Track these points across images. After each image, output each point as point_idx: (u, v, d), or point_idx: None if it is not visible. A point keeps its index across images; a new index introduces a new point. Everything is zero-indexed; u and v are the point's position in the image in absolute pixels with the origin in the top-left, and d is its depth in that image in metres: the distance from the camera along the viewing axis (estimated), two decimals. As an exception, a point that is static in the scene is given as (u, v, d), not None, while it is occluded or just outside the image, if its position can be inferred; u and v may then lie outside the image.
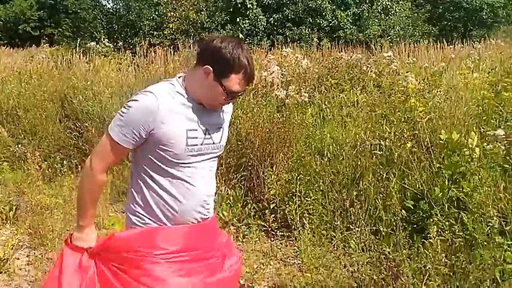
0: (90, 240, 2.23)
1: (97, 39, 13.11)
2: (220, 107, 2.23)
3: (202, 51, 2.16)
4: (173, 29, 17.86)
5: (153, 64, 8.86)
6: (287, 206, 4.46)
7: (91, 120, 6.78)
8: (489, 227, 3.51)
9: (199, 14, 17.96)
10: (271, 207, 4.64)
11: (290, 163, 4.95)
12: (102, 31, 18.50)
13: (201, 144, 2.19)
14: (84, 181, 2.21)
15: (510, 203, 3.68)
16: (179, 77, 2.22)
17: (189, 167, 2.17)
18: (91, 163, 2.16)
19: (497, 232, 3.52)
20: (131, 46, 10.39)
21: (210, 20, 17.92)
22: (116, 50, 12.03)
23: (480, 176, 3.75)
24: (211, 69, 2.08)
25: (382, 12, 17.65)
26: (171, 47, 11.21)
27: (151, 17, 18.48)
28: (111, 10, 20.57)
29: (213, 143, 2.24)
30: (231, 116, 2.47)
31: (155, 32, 18.17)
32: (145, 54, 9.71)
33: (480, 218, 3.60)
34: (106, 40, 12.10)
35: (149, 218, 2.19)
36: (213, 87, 2.10)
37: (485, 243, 3.49)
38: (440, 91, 5.07)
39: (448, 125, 4.36)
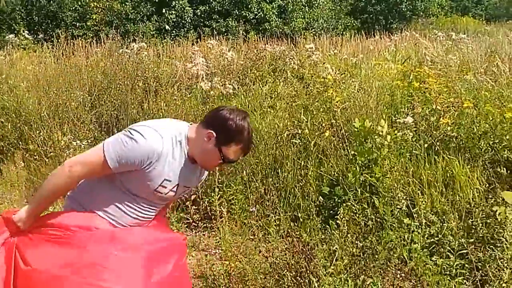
0: (26, 226, 2.26)
1: (16, 32, 12.61)
2: (210, 169, 2.48)
3: (212, 116, 2.31)
4: (97, 20, 17.44)
5: (74, 56, 8.68)
6: (209, 197, 4.52)
7: (7, 115, 6.57)
8: (397, 209, 3.75)
9: (123, 4, 17.60)
10: (192, 198, 4.68)
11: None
12: (21, 23, 17.79)
13: (165, 194, 2.34)
14: (56, 179, 2.23)
15: (417, 187, 3.94)
16: (189, 124, 2.38)
17: (143, 203, 2.35)
18: (73, 167, 2.21)
19: (404, 214, 3.76)
20: (53, 38, 10.06)
21: (135, 11, 17.61)
22: (36, 42, 11.64)
23: (390, 162, 3.99)
24: (215, 135, 2.24)
25: (306, 4, 18.06)
26: (95, 39, 10.97)
27: (73, 8, 17.94)
28: (30, 1, 19.79)
29: (174, 195, 2.41)
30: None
31: (77, 24, 17.66)
32: (65, 46, 9.46)
33: (390, 201, 3.84)
34: (26, 32, 11.67)
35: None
36: (212, 151, 2.26)
37: (394, 225, 3.72)
38: (354, 81, 5.30)
39: (362, 114, 4.57)
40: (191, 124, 2.39)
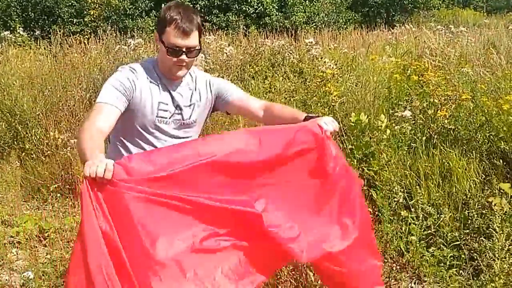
0: (103, 160, 1.89)
1: (11, 28, 12.68)
2: (175, 76, 2.41)
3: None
4: (94, 16, 17.55)
5: (70, 53, 8.74)
6: None
7: (1, 113, 6.61)
8: (395, 202, 3.86)
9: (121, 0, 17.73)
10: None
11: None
12: (17, 19, 17.90)
13: (169, 118, 2.43)
14: (83, 130, 2.13)
15: (414, 179, 4.05)
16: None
17: (157, 138, 2.43)
18: (89, 118, 2.21)
19: (402, 207, 3.88)
20: (50, 35, 10.13)
21: (134, 7, 17.72)
22: (33, 39, 11.72)
23: (388, 155, 4.10)
24: (157, 34, 2.37)
25: (306, -2, 18.21)
26: (93, 35, 11.06)
27: (70, 3, 18.05)
28: (26, -3, 19.90)
29: (182, 118, 2.46)
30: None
31: (74, 20, 17.78)
32: (63, 42, 9.53)
33: (387, 194, 3.95)
34: (21, 29, 11.75)
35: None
36: (160, 50, 2.37)
37: (391, 217, 3.83)
38: (352, 75, 5.41)
39: (359, 108, 4.68)
40: None
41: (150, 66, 2.45)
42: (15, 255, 4.22)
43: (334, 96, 4.88)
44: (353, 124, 4.29)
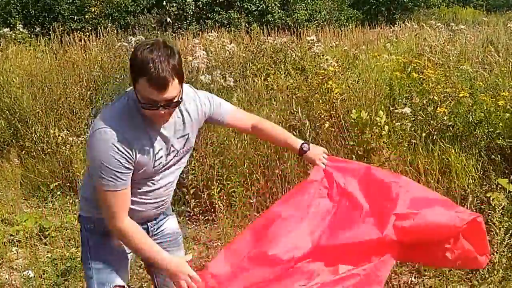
0: (192, 275, 2.20)
1: (11, 25, 12.76)
2: (161, 122, 2.16)
3: None
4: (95, 13, 17.63)
5: (71, 50, 8.77)
6: (210, 190, 4.66)
7: (1, 111, 6.69)
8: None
9: (123, -3, 17.80)
10: (192, 192, 4.86)
11: (212, 148, 5.21)
12: (17, 16, 17.99)
13: (166, 163, 2.28)
14: (126, 239, 2.22)
15: (414, 175, 4.15)
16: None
17: (153, 179, 2.31)
18: (114, 223, 2.17)
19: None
20: (50, 32, 10.20)
21: (135, 4, 17.80)
22: (33, 36, 11.79)
23: (388, 152, 4.20)
24: (130, 74, 2.05)
25: (308, -4, 18.36)
26: (94, 32, 11.14)
27: (71, 0, 18.14)
28: (26, -7, 19.96)
29: (177, 151, 2.31)
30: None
31: (75, 17, 17.86)
32: (63, 39, 9.57)
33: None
34: (21, 26, 11.81)
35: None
36: (136, 97, 2.07)
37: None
38: (353, 73, 5.51)
39: (360, 105, 4.77)
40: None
41: (132, 111, 2.14)
42: (15, 253, 4.27)
43: (336, 94, 4.97)
44: (354, 121, 4.39)
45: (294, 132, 4.96)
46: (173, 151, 2.28)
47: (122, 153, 2.08)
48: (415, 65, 5.31)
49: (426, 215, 2.24)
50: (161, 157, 2.24)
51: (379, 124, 4.20)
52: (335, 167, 2.53)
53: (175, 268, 2.20)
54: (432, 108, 4.54)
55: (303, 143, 2.57)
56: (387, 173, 2.59)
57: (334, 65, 5.76)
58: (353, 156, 4.24)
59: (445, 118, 4.42)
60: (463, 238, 2.28)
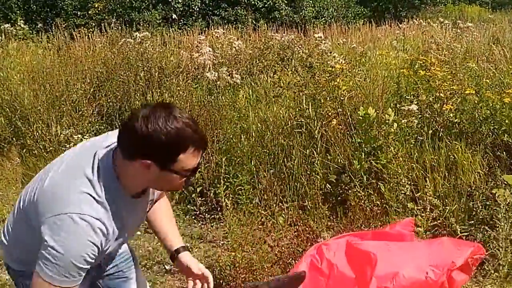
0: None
1: (12, 21, 12.87)
2: (178, 189, 2.03)
3: (128, 140, 1.73)
4: (99, 9, 17.74)
5: (74, 46, 8.82)
6: (216, 188, 4.75)
7: (1, 108, 6.72)
8: (402, 194, 4.10)
9: (127, -8, 17.89)
10: (198, 190, 4.93)
11: (218, 146, 5.34)
12: (18, 12, 18.11)
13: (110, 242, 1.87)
14: None
15: (420, 172, 4.29)
16: (110, 149, 1.82)
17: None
18: None
19: (409, 199, 4.11)
20: (52, 28, 10.30)
21: (140, 0, 17.91)
22: (35, 32, 11.88)
23: (395, 149, 4.34)
24: (151, 162, 1.71)
25: (316, -7, 18.45)
26: (98, 28, 11.25)
27: (74, -4, 18.26)
28: (27, -11, 20.07)
29: (126, 237, 2.01)
30: None
31: (78, 12, 17.98)
32: (66, 35, 9.66)
33: (395, 187, 4.19)
34: (22, 21, 11.89)
35: None
36: (163, 177, 1.76)
37: (398, 209, 4.07)
38: (361, 70, 5.64)
39: (368, 102, 4.91)
40: (110, 146, 1.84)
41: (110, 180, 1.80)
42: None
43: (343, 91, 5.10)
44: (361, 118, 4.52)
45: (301, 130, 5.10)
46: (122, 235, 1.93)
47: (98, 248, 1.75)
48: (422, 62, 5.44)
49: (404, 274, 2.47)
50: (110, 240, 1.87)
51: (387, 121, 4.33)
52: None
53: None
54: (439, 105, 4.66)
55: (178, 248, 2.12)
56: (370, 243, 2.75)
57: (341, 62, 5.90)
58: (362, 154, 4.37)
59: (451, 115, 4.54)
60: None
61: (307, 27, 11.58)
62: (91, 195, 1.74)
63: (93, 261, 1.74)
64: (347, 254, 2.68)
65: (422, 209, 3.95)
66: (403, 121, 4.56)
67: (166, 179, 1.77)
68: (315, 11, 18.11)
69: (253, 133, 5.22)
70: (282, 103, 5.70)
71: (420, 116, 4.68)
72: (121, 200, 1.81)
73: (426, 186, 4.03)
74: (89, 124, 6.32)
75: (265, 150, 5.11)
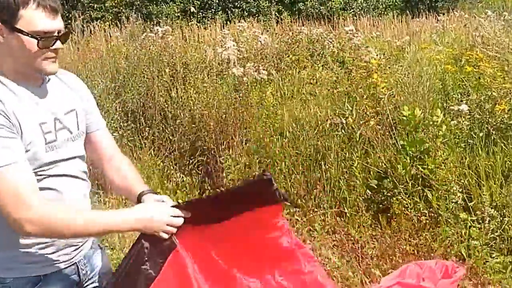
0: (159, 213, 1.76)
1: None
2: (46, 74, 1.79)
3: None
4: (116, 1, 17.64)
5: (93, 41, 8.73)
6: None
7: None
8: (453, 203, 3.79)
9: (145, -15, 17.78)
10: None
11: (248, 145, 5.11)
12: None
13: (55, 137, 1.78)
14: (52, 226, 1.64)
15: (473, 179, 3.98)
16: None
17: (52, 173, 1.78)
18: (21, 214, 1.60)
19: (461, 208, 3.81)
20: (69, 21, 10.16)
21: (157, -8, 17.77)
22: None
23: (444, 153, 4.03)
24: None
25: (344, -18, 18.03)
26: (115, 22, 11.10)
27: (90, -12, 18.17)
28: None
29: (70, 133, 1.86)
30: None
31: (95, 5, 17.90)
32: (85, 29, 9.57)
33: (444, 195, 3.89)
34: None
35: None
36: (18, 43, 1.68)
37: (449, 220, 3.78)
38: (401, 66, 5.33)
39: (411, 101, 4.60)
40: None
41: None
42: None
43: (382, 88, 4.81)
44: (405, 119, 4.22)
45: (336, 130, 4.84)
46: (62, 128, 1.82)
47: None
48: (468, 57, 5.12)
49: None
50: (50, 132, 1.76)
51: (435, 122, 4.04)
52: None
53: (154, 217, 1.73)
54: (490, 105, 4.35)
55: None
56: None
57: (378, 57, 5.60)
58: (408, 158, 4.07)
59: (506, 116, 4.22)
60: None
61: (334, 19, 11.24)
62: None
63: (6, 129, 1.62)
64: None
65: (477, 220, 3.66)
66: (451, 122, 4.26)
67: (21, 45, 1.67)
68: (343, 2, 17.71)
69: (287, 133, 4.96)
70: (314, 101, 5.41)
71: (469, 117, 4.37)
72: (24, 87, 1.74)
73: (481, 195, 3.73)
74: (113, 121, 6.17)
75: (297, 151, 4.85)
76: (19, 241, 1.74)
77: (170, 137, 5.70)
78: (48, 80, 1.85)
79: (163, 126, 5.96)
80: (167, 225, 1.75)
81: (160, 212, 1.76)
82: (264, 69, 6.60)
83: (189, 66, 6.88)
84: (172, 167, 5.42)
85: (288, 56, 7.22)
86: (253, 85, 6.16)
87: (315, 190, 4.57)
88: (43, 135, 1.73)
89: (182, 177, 5.33)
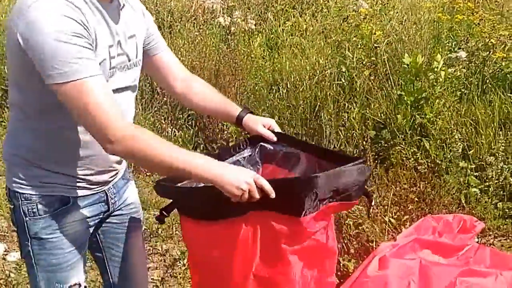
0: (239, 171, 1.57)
1: None
2: None
3: None
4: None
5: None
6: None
7: None
8: (452, 152, 3.85)
9: None
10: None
11: (243, 97, 5.05)
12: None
13: (116, 64, 1.71)
14: (141, 146, 1.54)
15: (472, 127, 4.03)
16: None
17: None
18: (111, 132, 1.51)
19: (460, 157, 3.87)
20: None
21: None
22: None
23: (444, 101, 4.05)
24: None
25: None
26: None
27: None
28: None
29: (129, 60, 1.78)
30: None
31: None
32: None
33: (442, 144, 3.94)
34: None
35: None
36: None
37: (448, 168, 3.83)
38: (396, 13, 5.29)
39: (409, 49, 4.58)
40: None
41: None
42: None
43: (378, 36, 4.77)
44: (406, 67, 4.20)
45: (331, 80, 4.80)
46: (121, 54, 1.73)
47: (79, 24, 1.52)
48: (459, 5, 5.10)
49: None
50: (114, 57, 1.68)
51: (435, 69, 4.03)
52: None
53: (221, 176, 1.52)
54: (488, 53, 4.37)
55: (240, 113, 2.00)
56: None
57: (366, 6, 5.55)
58: (409, 107, 4.08)
59: (503, 64, 4.26)
60: None
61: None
62: None
63: (85, 40, 1.52)
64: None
65: (476, 168, 3.74)
66: (449, 70, 4.26)
67: None
68: None
69: (284, 85, 4.89)
70: (311, 50, 5.33)
71: (466, 64, 4.39)
72: (96, 4, 1.63)
73: (479, 143, 3.79)
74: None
75: (294, 103, 4.82)
76: (59, 157, 1.73)
77: (159, 90, 5.60)
78: (123, 6, 1.76)
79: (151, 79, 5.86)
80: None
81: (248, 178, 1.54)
82: (251, 19, 6.51)
83: (174, 15, 6.73)
84: (163, 121, 5.35)
85: (273, 5, 7.08)
86: (241, 35, 6.07)
87: (313, 141, 4.56)
88: (110, 59, 1.66)
89: (174, 131, 5.28)
